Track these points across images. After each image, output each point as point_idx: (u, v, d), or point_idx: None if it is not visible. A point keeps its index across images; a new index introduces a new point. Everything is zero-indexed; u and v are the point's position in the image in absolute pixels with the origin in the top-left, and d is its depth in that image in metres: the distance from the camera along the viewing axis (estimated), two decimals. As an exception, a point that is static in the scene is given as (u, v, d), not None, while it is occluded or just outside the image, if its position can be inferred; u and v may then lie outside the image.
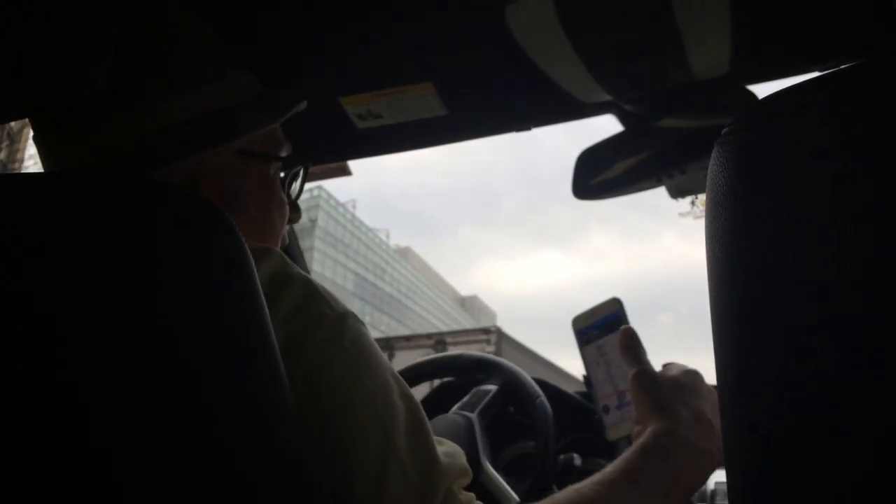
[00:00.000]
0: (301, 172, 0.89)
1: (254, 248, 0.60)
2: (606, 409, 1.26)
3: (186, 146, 0.73)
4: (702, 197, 1.35)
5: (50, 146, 0.74)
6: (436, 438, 0.67)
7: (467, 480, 0.68)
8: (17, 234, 0.45)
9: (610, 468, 0.77)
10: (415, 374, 1.43)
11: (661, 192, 1.34)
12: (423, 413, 0.66)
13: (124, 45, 0.70)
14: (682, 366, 0.89)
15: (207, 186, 0.74)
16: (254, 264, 0.52)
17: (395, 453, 0.61)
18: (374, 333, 0.68)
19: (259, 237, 0.79)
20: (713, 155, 0.41)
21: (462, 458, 0.70)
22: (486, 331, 12.19)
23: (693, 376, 0.86)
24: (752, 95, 1.17)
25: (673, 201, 1.36)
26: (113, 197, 0.48)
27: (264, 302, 0.52)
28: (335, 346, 0.63)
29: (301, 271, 0.66)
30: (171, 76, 0.72)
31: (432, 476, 0.63)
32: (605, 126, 1.34)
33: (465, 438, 1.21)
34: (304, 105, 0.84)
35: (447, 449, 0.68)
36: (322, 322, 0.63)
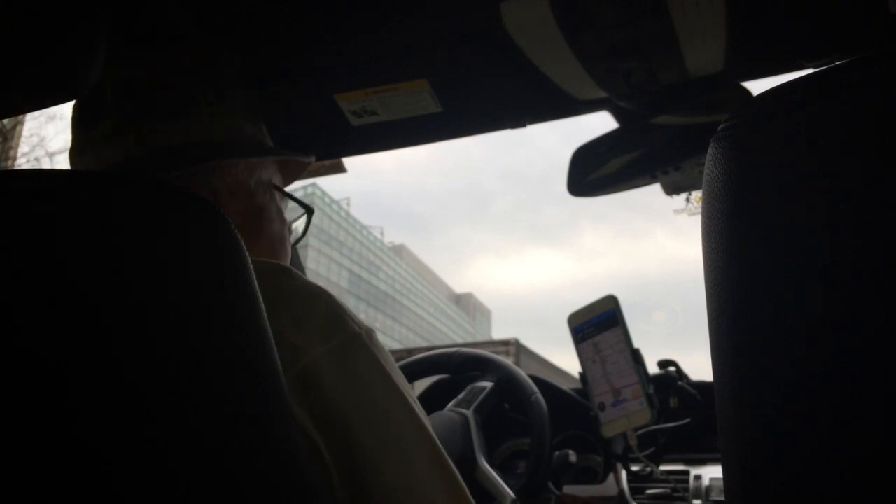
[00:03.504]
0: (307, 217, 0.96)
1: (263, 263, 0.62)
2: (602, 407, 1.27)
3: (231, 150, 0.79)
4: (696, 194, 1.35)
5: (85, 146, 0.78)
6: None
7: None
8: (9, 234, 0.45)
9: None
10: (411, 371, 1.43)
11: (654, 190, 1.35)
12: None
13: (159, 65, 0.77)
14: None
15: (246, 197, 0.81)
16: (249, 258, 0.52)
17: (444, 462, 0.65)
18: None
19: (276, 256, 0.84)
20: (709, 151, 0.42)
21: None
22: (505, 343, 13.11)
23: None
24: (747, 92, 1.18)
25: (667, 199, 1.36)
26: (109, 197, 0.48)
27: (260, 297, 0.52)
28: (373, 362, 0.65)
29: (316, 284, 0.69)
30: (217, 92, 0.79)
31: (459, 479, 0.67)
32: (599, 124, 1.34)
33: (461, 435, 1.22)
34: (313, 160, 0.92)
35: None
36: (357, 339, 0.65)
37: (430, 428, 0.66)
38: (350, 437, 0.61)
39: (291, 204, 0.92)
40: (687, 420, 1.35)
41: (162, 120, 0.75)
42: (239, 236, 0.52)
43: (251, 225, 0.80)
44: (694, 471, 1.38)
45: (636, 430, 1.26)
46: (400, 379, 0.67)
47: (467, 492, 0.66)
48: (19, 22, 0.49)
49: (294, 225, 0.95)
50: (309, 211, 0.94)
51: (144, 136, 0.74)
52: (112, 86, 0.76)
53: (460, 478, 0.66)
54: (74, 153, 0.78)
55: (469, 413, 1.26)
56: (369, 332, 0.67)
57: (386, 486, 0.61)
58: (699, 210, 0.44)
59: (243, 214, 0.79)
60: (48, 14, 0.50)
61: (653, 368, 1.43)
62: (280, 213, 0.86)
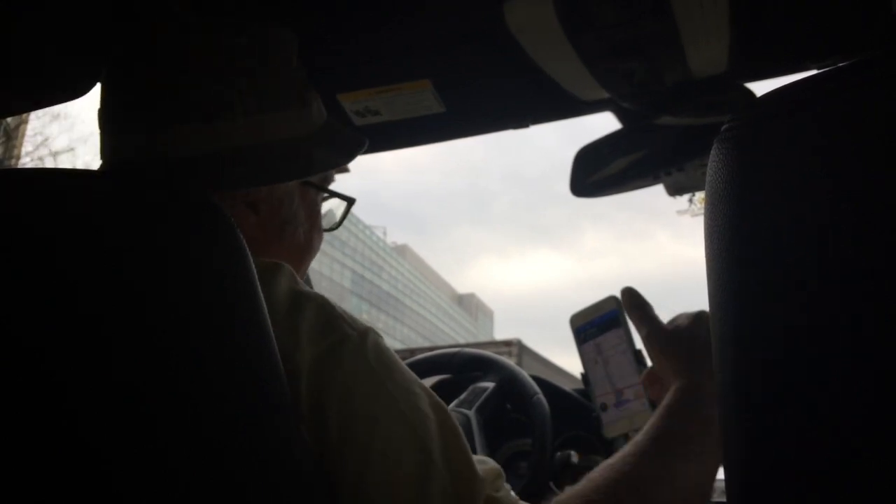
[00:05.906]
0: (346, 206, 0.90)
1: (265, 263, 0.61)
2: (604, 407, 1.26)
3: (262, 174, 0.73)
4: (699, 194, 1.35)
5: (119, 142, 0.72)
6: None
7: (503, 480, 0.68)
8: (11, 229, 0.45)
9: (639, 436, 0.76)
10: (413, 372, 1.43)
11: (656, 191, 1.35)
12: (454, 420, 0.66)
13: (208, 53, 0.71)
14: (689, 314, 0.86)
15: (267, 211, 0.76)
16: (250, 258, 0.52)
17: (435, 470, 0.61)
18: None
19: (299, 259, 0.81)
20: (713, 152, 0.41)
21: (490, 461, 0.69)
22: (507, 343, 13.19)
23: (703, 325, 0.82)
24: (750, 93, 1.17)
25: (670, 200, 1.36)
26: (119, 198, 0.48)
27: (261, 296, 0.52)
28: (364, 366, 0.63)
29: (311, 290, 0.67)
30: (257, 92, 0.72)
31: (472, 487, 0.63)
32: (601, 125, 1.34)
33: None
34: (367, 144, 0.85)
35: (476, 456, 0.68)
36: (347, 343, 0.63)
37: (433, 425, 0.63)
38: (340, 443, 0.60)
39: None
40: (689, 422, 1.35)
41: (194, 123, 0.69)
42: (241, 235, 0.52)
43: (270, 236, 0.76)
44: (696, 472, 1.38)
45: (638, 431, 1.26)
46: (399, 379, 0.65)
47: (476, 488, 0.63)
48: (20, 22, 0.49)
49: (330, 208, 0.89)
50: (349, 201, 0.88)
51: (175, 140, 0.69)
52: (145, 86, 0.71)
53: (475, 471, 0.63)
54: (106, 152, 0.73)
55: (471, 413, 1.25)
56: (364, 334, 0.65)
57: (377, 487, 0.60)
58: (702, 211, 0.43)
59: (261, 227, 0.75)
60: (49, 14, 0.50)
61: (655, 369, 1.42)
62: (311, 211, 0.81)
